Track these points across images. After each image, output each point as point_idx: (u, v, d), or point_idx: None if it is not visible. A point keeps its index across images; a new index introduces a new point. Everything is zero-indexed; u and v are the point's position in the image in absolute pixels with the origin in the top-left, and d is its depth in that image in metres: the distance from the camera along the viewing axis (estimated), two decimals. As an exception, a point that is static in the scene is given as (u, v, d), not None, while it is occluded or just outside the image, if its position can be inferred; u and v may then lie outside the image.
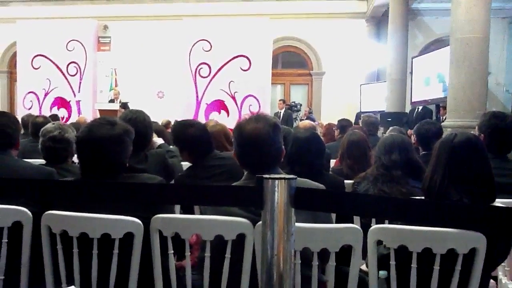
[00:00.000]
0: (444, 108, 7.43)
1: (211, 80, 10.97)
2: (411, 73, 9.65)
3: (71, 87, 11.62)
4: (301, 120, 9.93)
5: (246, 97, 10.86)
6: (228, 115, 10.72)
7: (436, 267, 1.58)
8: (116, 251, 1.68)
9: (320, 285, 1.66)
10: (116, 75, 11.41)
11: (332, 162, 3.71)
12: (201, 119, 9.27)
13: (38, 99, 11.70)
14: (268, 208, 1.13)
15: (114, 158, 1.84)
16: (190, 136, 2.76)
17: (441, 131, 3.64)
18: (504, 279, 2.16)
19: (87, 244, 1.68)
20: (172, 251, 1.70)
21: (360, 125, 5.52)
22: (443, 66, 7.35)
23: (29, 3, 12.33)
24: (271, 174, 1.18)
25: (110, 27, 12.11)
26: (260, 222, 1.18)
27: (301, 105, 11.71)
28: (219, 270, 1.66)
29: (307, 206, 1.20)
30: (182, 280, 1.75)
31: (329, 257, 1.64)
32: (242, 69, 10.82)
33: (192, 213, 2.37)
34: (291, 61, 12.47)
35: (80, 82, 11.63)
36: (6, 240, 1.81)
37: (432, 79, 8.65)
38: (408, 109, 9.58)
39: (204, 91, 11.04)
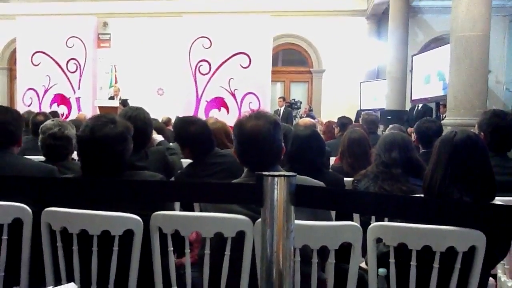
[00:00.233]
0: (444, 106, 7.44)
1: (211, 77, 10.95)
2: (411, 71, 9.64)
3: (71, 84, 11.61)
4: (301, 117, 9.92)
5: (246, 94, 10.84)
6: (228, 113, 10.70)
7: (436, 265, 1.58)
8: (116, 248, 1.68)
9: (319, 282, 1.66)
10: (116, 72, 11.39)
11: (332, 160, 3.71)
12: (201, 116, 9.24)
13: (38, 95, 11.69)
14: (267, 205, 1.13)
15: (118, 156, 1.84)
16: (191, 133, 2.76)
17: (441, 129, 3.64)
18: (503, 277, 2.17)
19: (87, 241, 1.68)
20: (172, 248, 1.70)
21: (360, 123, 5.52)
22: (443, 64, 7.34)
23: (29, 0, 12.31)
24: (271, 171, 1.18)
25: (110, 24, 12.10)
26: (260, 220, 1.18)
27: (301, 102, 11.71)
28: (218, 268, 1.66)
29: (307, 203, 1.20)
30: (182, 278, 1.75)
31: (329, 255, 1.64)
32: (242, 66, 10.80)
33: (192, 210, 2.37)
34: (291, 59, 12.46)
35: (80, 79, 11.61)
36: (6, 237, 1.81)
37: (432, 77, 8.65)
38: (408, 107, 9.57)
39: (204, 88, 11.02)
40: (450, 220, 1.45)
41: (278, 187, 1.13)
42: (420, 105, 8.74)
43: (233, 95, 10.91)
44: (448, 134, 1.82)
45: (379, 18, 11.54)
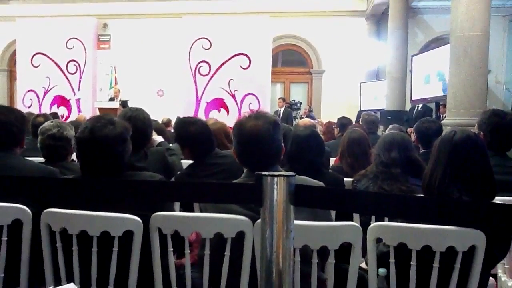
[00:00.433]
0: (444, 106, 7.44)
1: (211, 78, 10.96)
2: (411, 71, 9.64)
3: (70, 85, 11.62)
4: (301, 118, 9.92)
5: (246, 95, 10.85)
6: (228, 114, 10.71)
7: (436, 265, 1.58)
8: (115, 249, 1.68)
9: (319, 282, 1.66)
10: (115, 73, 11.40)
11: (332, 160, 3.71)
12: (201, 118, 9.25)
13: (38, 97, 11.70)
14: (267, 205, 1.13)
15: (117, 157, 1.84)
16: (192, 133, 2.76)
17: (441, 129, 3.64)
18: (503, 277, 2.16)
19: (86, 242, 1.68)
20: (172, 249, 1.70)
21: (360, 123, 5.52)
22: (443, 64, 7.34)
23: (29, 1, 12.33)
24: (271, 171, 1.18)
25: (109, 25, 12.11)
26: (260, 220, 1.17)
27: (301, 103, 11.71)
28: (218, 268, 1.66)
29: (306, 203, 1.20)
30: (182, 278, 1.75)
31: (329, 255, 1.64)
32: (242, 67, 10.81)
33: (192, 211, 2.37)
34: (291, 59, 12.47)
35: (79, 80, 11.62)
36: (6, 238, 1.81)
37: (432, 77, 8.65)
38: (408, 107, 9.58)
39: (204, 89, 11.03)
40: (450, 219, 1.45)
41: (277, 187, 1.13)
42: (420, 105, 8.74)
43: (233, 96, 10.92)
44: (447, 134, 1.82)
45: (378, 18, 11.54)
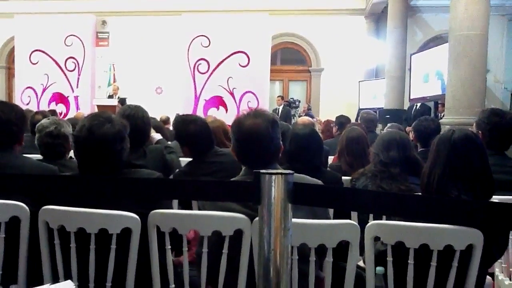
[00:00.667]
0: (443, 105, 7.43)
1: (209, 76, 10.96)
2: (410, 70, 9.65)
3: (69, 82, 11.60)
4: (299, 116, 9.93)
5: (245, 93, 10.85)
6: (226, 111, 10.71)
7: (433, 264, 1.59)
8: (113, 246, 1.68)
9: (317, 281, 1.66)
10: (114, 70, 11.37)
11: (330, 159, 3.71)
12: (200, 115, 9.25)
13: (36, 94, 11.68)
14: (265, 203, 1.13)
15: (115, 155, 1.83)
16: (191, 132, 2.76)
17: (439, 128, 3.65)
18: (500, 276, 2.17)
19: (84, 239, 1.68)
20: (170, 247, 1.70)
21: (359, 121, 5.52)
22: (442, 63, 7.35)
23: (27, -2, 12.30)
24: (269, 169, 1.18)
25: (108, 22, 12.08)
26: (258, 218, 1.17)
27: (299, 101, 11.71)
28: (216, 266, 1.66)
29: (304, 201, 1.20)
30: (180, 276, 1.75)
31: (327, 253, 1.64)
32: (240, 65, 10.81)
33: (190, 208, 2.37)
34: (289, 58, 12.46)
35: (78, 78, 11.61)
36: (4, 235, 1.80)
37: (431, 76, 8.65)
38: (406, 106, 9.58)
39: (203, 87, 11.03)
40: (448, 218, 1.45)
41: (275, 185, 1.13)
42: (419, 104, 8.74)
43: (232, 94, 10.91)
44: (446, 133, 1.82)
45: (377, 17, 11.54)
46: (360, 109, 10.42)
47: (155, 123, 4.50)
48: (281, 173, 1.14)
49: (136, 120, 2.61)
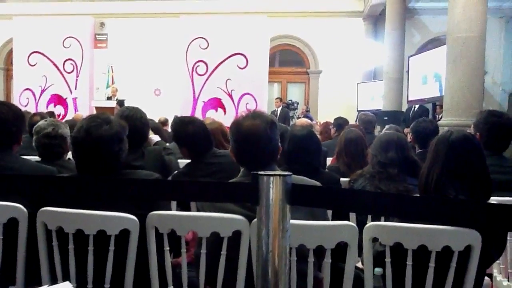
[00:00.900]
0: (441, 106, 7.46)
1: (208, 78, 10.97)
2: (408, 72, 9.67)
3: (67, 84, 11.60)
4: (298, 118, 9.93)
5: (243, 95, 10.86)
6: (225, 113, 10.72)
7: (432, 264, 1.59)
8: (112, 247, 1.68)
9: (316, 282, 1.66)
10: (112, 72, 11.40)
11: (329, 160, 3.71)
12: (198, 117, 9.25)
13: (34, 96, 11.67)
14: (263, 204, 1.13)
15: (113, 157, 1.83)
16: (190, 133, 2.76)
17: (437, 129, 3.65)
18: (499, 277, 2.17)
19: (83, 240, 1.68)
20: (168, 248, 1.70)
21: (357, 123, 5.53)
22: (439, 65, 7.36)
23: (26, 0, 12.28)
24: (267, 171, 1.18)
25: (106, 24, 12.08)
26: (256, 219, 1.18)
27: (298, 103, 11.72)
28: (215, 267, 1.66)
29: (302, 202, 1.20)
30: (178, 277, 1.75)
31: (325, 254, 1.64)
32: (239, 67, 10.82)
33: (189, 210, 2.37)
34: (288, 60, 12.48)
35: (76, 79, 11.61)
36: (2, 237, 1.80)
37: (429, 78, 8.67)
38: (404, 107, 9.60)
39: (201, 89, 11.03)
40: (446, 219, 1.46)
41: (273, 186, 1.13)
42: (417, 106, 8.76)
43: (230, 95, 10.92)
44: (444, 133, 1.83)
45: (375, 19, 11.56)
46: (359, 111, 10.44)
47: (154, 124, 4.50)
48: (279, 175, 1.14)
49: (135, 122, 2.61)
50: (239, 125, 1.78)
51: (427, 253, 1.59)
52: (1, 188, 1.46)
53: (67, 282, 1.09)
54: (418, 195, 1.84)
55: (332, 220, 1.98)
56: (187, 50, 10.94)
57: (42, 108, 10.84)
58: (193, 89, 11.04)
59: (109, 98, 10.09)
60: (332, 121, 5.53)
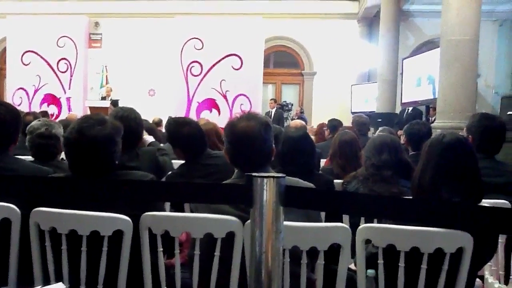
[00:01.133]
0: (434, 109, 7.49)
1: (202, 79, 10.96)
2: (402, 74, 9.71)
3: (61, 83, 11.54)
4: (292, 119, 9.95)
5: (238, 96, 10.86)
6: (219, 114, 10.71)
7: (424, 266, 1.60)
8: (105, 248, 1.68)
9: (309, 283, 1.67)
10: (107, 72, 11.35)
11: (322, 162, 3.72)
12: (192, 118, 9.23)
13: (27, 95, 11.60)
14: (257, 206, 1.13)
15: (107, 158, 1.82)
16: (184, 134, 2.76)
17: (431, 131, 3.67)
18: (490, 278, 2.19)
19: (76, 241, 1.67)
20: (162, 249, 1.70)
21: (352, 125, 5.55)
22: (433, 68, 7.40)
23: (20, -1, 12.23)
24: (261, 172, 1.19)
25: (101, 24, 12.04)
26: (250, 220, 1.18)
27: (292, 104, 11.74)
28: (208, 268, 1.66)
29: (296, 204, 1.21)
30: (171, 278, 1.75)
31: (318, 256, 1.65)
32: (233, 68, 10.82)
33: (182, 211, 2.37)
34: (282, 61, 12.50)
35: (70, 79, 11.55)
36: (-6, 237, 1.79)
37: (423, 80, 8.71)
38: (398, 110, 9.64)
39: (196, 89, 11.03)
40: (438, 221, 1.46)
41: (267, 188, 1.13)
42: (410, 108, 8.80)
43: (225, 96, 10.92)
44: (437, 136, 1.84)
45: (370, 21, 11.61)
46: (353, 113, 10.47)
47: (148, 125, 4.49)
48: (273, 176, 1.14)
49: (129, 122, 2.60)
50: (233, 127, 1.78)
51: (419, 255, 1.60)
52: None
53: (60, 283, 1.09)
54: (411, 197, 1.85)
55: (325, 221, 1.99)
56: (181, 51, 10.93)
57: (36, 108, 10.77)
58: (188, 90, 11.03)
59: (103, 98, 10.05)
60: (326, 122, 5.55)
